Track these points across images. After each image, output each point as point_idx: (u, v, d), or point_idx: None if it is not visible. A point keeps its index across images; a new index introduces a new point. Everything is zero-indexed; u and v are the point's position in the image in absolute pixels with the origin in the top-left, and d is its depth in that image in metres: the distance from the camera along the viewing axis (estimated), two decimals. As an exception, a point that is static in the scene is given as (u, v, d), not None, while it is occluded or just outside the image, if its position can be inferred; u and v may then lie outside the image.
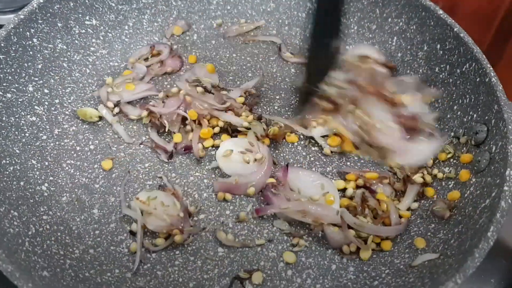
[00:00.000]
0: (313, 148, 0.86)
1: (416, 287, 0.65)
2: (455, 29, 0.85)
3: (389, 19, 0.96)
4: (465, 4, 1.11)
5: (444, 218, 0.74)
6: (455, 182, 0.79)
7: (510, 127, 0.72)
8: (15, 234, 0.67)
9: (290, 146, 0.87)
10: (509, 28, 1.09)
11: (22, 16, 0.83)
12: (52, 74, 0.88)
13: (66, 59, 0.91)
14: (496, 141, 0.74)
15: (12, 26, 0.81)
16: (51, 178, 0.80)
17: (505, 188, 0.66)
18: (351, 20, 1.00)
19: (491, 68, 0.79)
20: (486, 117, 0.78)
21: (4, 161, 0.76)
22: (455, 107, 0.85)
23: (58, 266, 0.68)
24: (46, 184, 0.79)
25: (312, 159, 0.85)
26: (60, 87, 0.89)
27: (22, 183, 0.76)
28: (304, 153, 0.86)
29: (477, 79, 0.81)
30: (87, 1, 0.92)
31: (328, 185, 0.79)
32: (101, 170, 0.82)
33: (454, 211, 0.75)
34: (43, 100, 0.86)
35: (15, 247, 0.65)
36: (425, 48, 0.91)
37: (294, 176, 0.80)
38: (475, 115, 0.81)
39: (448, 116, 0.86)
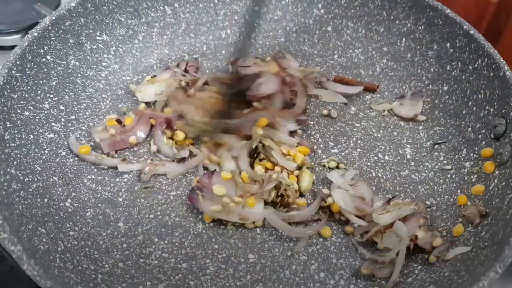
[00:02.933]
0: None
1: (453, 281, 0.66)
2: (465, 27, 0.87)
3: (397, 21, 0.98)
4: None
5: (474, 223, 0.74)
6: (478, 175, 0.80)
7: (529, 118, 0.74)
8: (45, 251, 0.66)
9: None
10: (498, 27, 1.11)
11: (35, 34, 0.82)
12: (66, 90, 0.88)
13: (79, 75, 0.90)
14: (517, 133, 0.75)
15: (26, 44, 0.81)
16: (73, 194, 0.79)
17: (533, 177, 0.67)
18: (359, 24, 1.02)
19: (505, 62, 0.81)
20: (504, 110, 0.79)
21: (27, 178, 0.75)
22: (470, 103, 0.86)
23: (91, 280, 0.67)
24: (69, 200, 0.78)
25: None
26: (75, 103, 0.89)
27: (46, 200, 0.75)
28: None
29: (491, 74, 0.83)
30: (97, 17, 0.92)
31: None
32: (123, 183, 0.82)
33: (481, 204, 0.75)
34: (59, 116, 0.86)
35: (48, 263, 0.64)
36: (435, 47, 0.93)
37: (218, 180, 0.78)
38: (491, 109, 0.82)
39: (464, 112, 0.87)
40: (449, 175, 0.83)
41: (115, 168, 0.83)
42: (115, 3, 0.94)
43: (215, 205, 0.75)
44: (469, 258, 0.68)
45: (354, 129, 0.91)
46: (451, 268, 0.69)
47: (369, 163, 0.86)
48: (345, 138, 0.89)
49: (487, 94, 0.83)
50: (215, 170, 0.81)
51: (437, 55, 0.93)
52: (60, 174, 0.80)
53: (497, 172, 0.77)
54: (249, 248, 0.75)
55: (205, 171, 0.82)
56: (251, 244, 0.75)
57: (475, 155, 0.82)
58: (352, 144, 0.89)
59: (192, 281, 0.71)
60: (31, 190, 0.74)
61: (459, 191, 0.80)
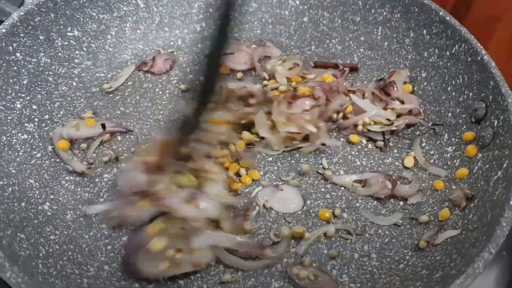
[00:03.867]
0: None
1: (445, 264, 0.66)
2: (441, 13, 0.88)
3: (373, 10, 0.98)
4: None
5: (461, 206, 0.74)
6: (461, 159, 0.80)
7: (509, 100, 0.74)
8: (27, 257, 0.63)
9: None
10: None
11: (4, 30, 0.79)
12: (38, 89, 0.84)
13: (51, 72, 0.87)
14: (497, 115, 0.76)
15: (-6, 41, 0.77)
16: (51, 196, 0.76)
17: (518, 158, 0.68)
18: (334, 14, 1.01)
19: (482, 47, 0.82)
20: (483, 94, 0.80)
21: (1, 182, 0.71)
22: (449, 88, 0.87)
23: (77, 285, 0.64)
24: (47, 203, 0.74)
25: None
26: (48, 102, 0.85)
27: (23, 204, 0.72)
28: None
29: (469, 59, 0.83)
30: (67, 12, 0.89)
31: None
32: (103, 183, 0.79)
33: (467, 187, 0.76)
34: (32, 116, 0.82)
35: (31, 270, 0.61)
36: (412, 34, 0.93)
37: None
38: (471, 94, 0.83)
39: (443, 97, 0.88)
40: (432, 161, 0.84)
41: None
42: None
43: (163, 263, 0.65)
44: (459, 241, 0.69)
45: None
46: (442, 252, 0.69)
47: (353, 152, 0.86)
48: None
49: (466, 79, 0.84)
50: (137, 227, 0.70)
51: (414, 42, 0.93)
52: (37, 177, 0.77)
53: (480, 155, 0.78)
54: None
55: (129, 234, 0.72)
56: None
57: (456, 140, 0.83)
58: (334, 134, 0.88)
59: (182, 280, 0.69)
60: (6, 194, 0.71)
61: (442, 176, 0.81)
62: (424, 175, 0.82)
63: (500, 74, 0.78)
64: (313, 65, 0.98)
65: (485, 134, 0.78)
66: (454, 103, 0.85)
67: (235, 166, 0.80)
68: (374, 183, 0.80)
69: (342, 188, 0.80)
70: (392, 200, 0.79)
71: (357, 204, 0.78)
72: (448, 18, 0.87)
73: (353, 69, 0.98)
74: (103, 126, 0.83)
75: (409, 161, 0.83)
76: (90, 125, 0.83)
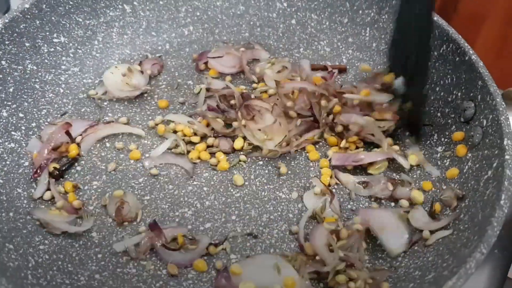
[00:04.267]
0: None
1: (437, 265, 0.66)
2: (428, 14, 0.88)
3: (360, 11, 0.98)
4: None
5: (452, 206, 0.75)
6: (451, 159, 0.81)
7: (497, 99, 0.75)
8: (15, 268, 0.62)
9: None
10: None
11: (-12, 38, 0.78)
12: (25, 96, 0.83)
13: (37, 80, 0.86)
14: (486, 115, 0.76)
15: (-22, 49, 0.76)
16: (40, 205, 0.75)
17: (507, 157, 0.68)
18: (322, 16, 1.01)
19: (470, 47, 0.82)
20: (472, 94, 0.80)
21: (-12, 192, 0.70)
22: (437, 89, 0.87)
23: (67, 295, 0.63)
24: (36, 213, 0.74)
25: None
26: (35, 109, 0.84)
27: (11, 214, 0.71)
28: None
29: (456, 59, 0.84)
30: (53, 18, 0.88)
31: (283, 264, 0.69)
32: (92, 191, 0.78)
33: (457, 187, 0.76)
34: (19, 124, 0.81)
35: (20, 281, 0.60)
36: (400, 35, 0.93)
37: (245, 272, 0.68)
38: (459, 94, 0.83)
39: (432, 97, 0.88)
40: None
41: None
42: (71, 3, 0.89)
43: None
44: (451, 241, 0.69)
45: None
46: (434, 253, 0.69)
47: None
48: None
49: (454, 79, 0.84)
50: (225, 269, 0.69)
51: (402, 43, 0.93)
52: (24, 186, 0.76)
53: (469, 154, 0.78)
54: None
55: (217, 275, 0.69)
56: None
57: (446, 140, 0.83)
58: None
59: (175, 287, 0.69)
60: (-6, 204, 0.70)
61: (433, 176, 0.81)
62: (415, 176, 0.82)
63: (488, 74, 0.78)
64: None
65: (474, 133, 0.78)
66: (443, 103, 0.86)
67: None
68: (375, 184, 0.80)
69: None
70: (383, 201, 0.79)
71: (349, 206, 0.78)
72: (436, 18, 0.87)
73: (342, 71, 0.98)
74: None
75: (412, 159, 0.83)
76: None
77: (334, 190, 0.80)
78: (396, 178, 0.81)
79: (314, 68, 0.97)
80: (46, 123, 0.84)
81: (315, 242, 0.71)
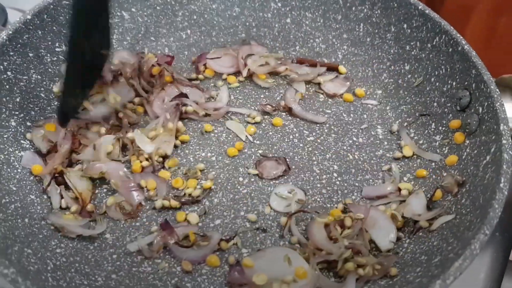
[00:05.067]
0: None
1: (442, 248, 0.68)
2: (420, 7, 0.90)
3: (353, 8, 1.00)
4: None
5: (453, 192, 0.77)
6: (449, 147, 0.83)
7: (492, 87, 0.77)
8: (36, 271, 0.64)
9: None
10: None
11: (-6, 50, 0.79)
12: (31, 106, 0.85)
13: (42, 89, 0.87)
14: (481, 102, 0.79)
15: (-16, 61, 0.78)
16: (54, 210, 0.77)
17: (504, 141, 0.71)
18: (316, 14, 1.04)
19: (462, 37, 0.85)
20: (466, 83, 0.83)
21: (4, 200, 0.72)
22: (432, 79, 0.90)
23: (87, 296, 0.65)
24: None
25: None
26: (41, 118, 0.86)
27: (26, 220, 0.72)
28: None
29: (450, 50, 0.86)
30: (54, 28, 0.89)
31: (293, 256, 0.71)
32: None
33: (457, 173, 0.79)
34: (28, 133, 0.82)
35: (41, 283, 0.62)
36: (393, 29, 0.96)
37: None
38: (454, 83, 0.86)
39: (428, 88, 0.90)
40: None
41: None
42: (71, 12, 0.91)
43: None
44: (454, 225, 0.71)
45: (326, 116, 0.93)
46: (439, 237, 0.71)
47: (344, 147, 0.88)
48: (318, 125, 0.91)
49: (448, 69, 0.87)
50: (237, 263, 0.71)
51: (395, 36, 0.96)
52: (37, 192, 0.78)
53: (467, 141, 0.81)
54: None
55: (230, 269, 0.71)
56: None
57: (444, 128, 0.86)
58: (326, 131, 0.91)
59: (189, 283, 0.71)
60: (10, 211, 0.71)
61: (433, 164, 0.84)
62: (415, 164, 0.85)
63: (481, 62, 0.81)
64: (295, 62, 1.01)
65: (471, 121, 0.81)
66: (439, 93, 0.88)
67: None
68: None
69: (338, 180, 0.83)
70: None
71: (353, 197, 0.81)
72: (427, 11, 0.89)
73: (334, 69, 1.00)
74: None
75: (407, 150, 0.86)
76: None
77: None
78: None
79: (301, 62, 1.00)
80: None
81: (315, 238, 0.73)
